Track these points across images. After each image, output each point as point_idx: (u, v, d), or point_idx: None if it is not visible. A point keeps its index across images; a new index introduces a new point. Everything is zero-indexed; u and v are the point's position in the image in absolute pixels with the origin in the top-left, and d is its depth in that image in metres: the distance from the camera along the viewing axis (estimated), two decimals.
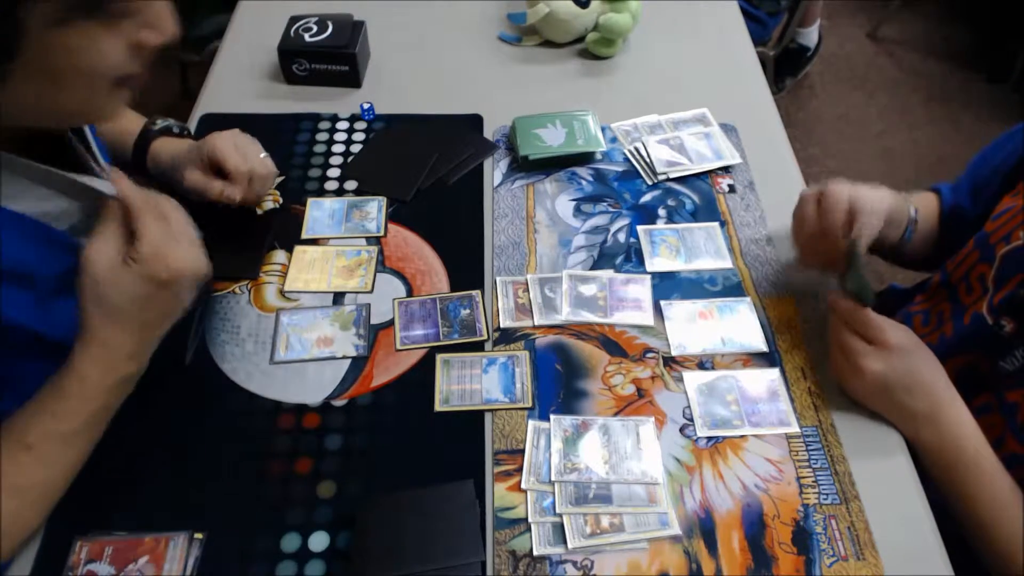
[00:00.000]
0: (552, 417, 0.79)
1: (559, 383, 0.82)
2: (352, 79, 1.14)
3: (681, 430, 0.79)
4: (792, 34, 2.39)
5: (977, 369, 0.82)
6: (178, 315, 0.71)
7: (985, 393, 0.81)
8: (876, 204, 0.83)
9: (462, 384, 0.81)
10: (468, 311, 0.88)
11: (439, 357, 0.84)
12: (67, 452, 0.69)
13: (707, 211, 0.99)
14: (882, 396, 0.77)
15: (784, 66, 2.47)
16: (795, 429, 0.79)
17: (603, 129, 1.07)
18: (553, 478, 0.74)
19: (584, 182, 1.03)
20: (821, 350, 0.85)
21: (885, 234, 0.86)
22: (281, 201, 0.99)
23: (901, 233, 0.90)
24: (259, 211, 0.98)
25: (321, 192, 1.01)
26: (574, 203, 1.00)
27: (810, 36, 2.45)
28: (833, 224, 0.81)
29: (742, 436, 0.78)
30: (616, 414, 0.79)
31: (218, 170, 0.88)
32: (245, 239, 0.94)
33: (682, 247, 0.95)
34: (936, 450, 0.76)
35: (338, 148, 1.06)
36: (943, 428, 0.75)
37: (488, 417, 0.79)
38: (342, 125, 1.09)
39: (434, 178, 1.02)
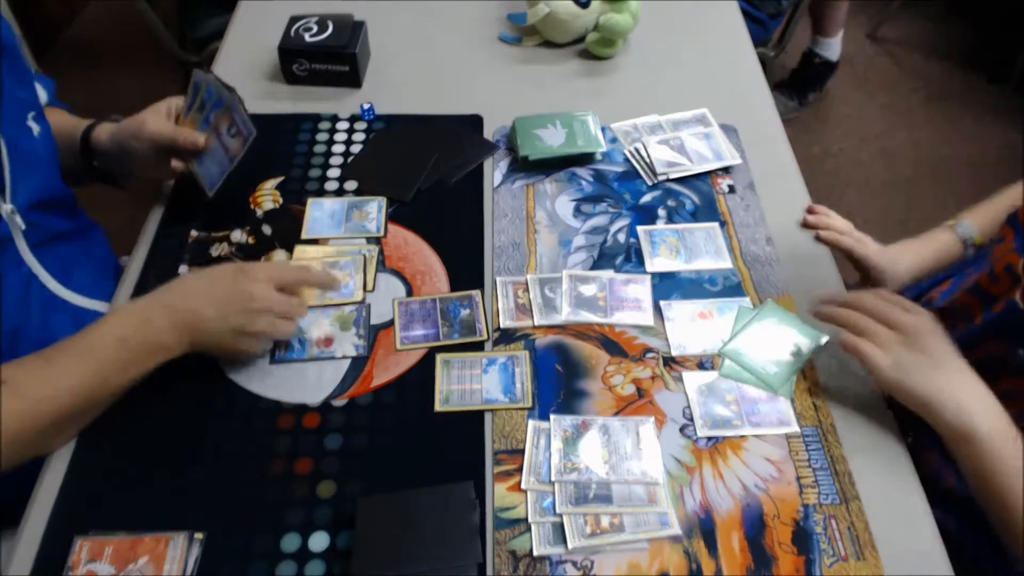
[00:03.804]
0: (552, 417, 0.79)
1: (559, 383, 0.82)
2: (352, 79, 1.14)
3: (681, 430, 0.79)
4: (815, 45, 2.36)
5: (996, 356, 0.81)
6: (217, 333, 0.77)
7: (1007, 379, 0.80)
8: (896, 276, 0.97)
9: (462, 384, 0.81)
10: (468, 311, 0.88)
11: (439, 357, 0.84)
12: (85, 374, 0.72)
13: (707, 211, 0.99)
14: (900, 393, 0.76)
15: (810, 80, 2.43)
16: (795, 429, 0.79)
17: (603, 129, 1.07)
18: (553, 478, 0.74)
19: (584, 182, 1.03)
20: (821, 350, 0.85)
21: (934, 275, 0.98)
22: (281, 201, 0.99)
23: (961, 261, 0.98)
24: (259, 211, 0.98)
25: (321, 192, 1.01)
26: (574, 203, 1.00)
27: (833, 47, 2.37)
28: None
29: (742, 436, 0.78)
30: (616, 414, 0.79)
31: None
32: None
33: (682, 247, 0.95)
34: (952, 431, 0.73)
35: (338, 148, 1.06)
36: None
37: (488, 417, 0.79)
38: (342, 125, 1.09)
39: (434, 178, 1.02)
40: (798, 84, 2.44)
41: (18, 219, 0.83)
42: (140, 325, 0.75)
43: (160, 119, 0.92)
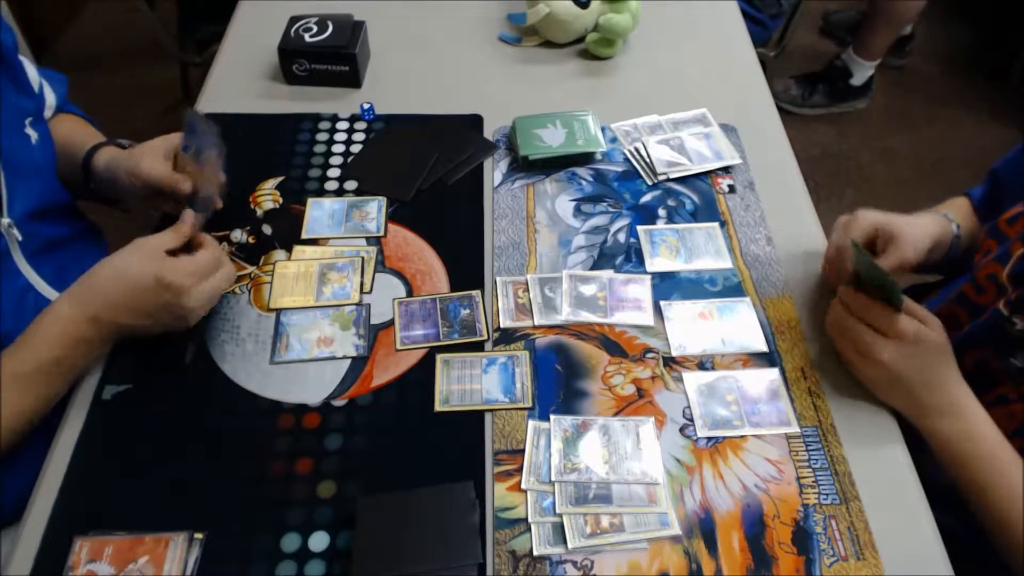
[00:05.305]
0: (552, 417, 0.79)
1: (559, 383, 0.82)
2: (352, 79, 1.14)
3: (681, 430, 0.79)
4: (847, 60, 2.36)
5: (988, 364, 0.82)
6: (145, 330, 0.79)
7: (1002, 385, 0.81)
8: (915, 237, 0.85)
9: (462, 384, 0.81)
10: (468, 311, 0.88)
11: (439, 357, 0.84)
12: (18, 396, 0.73)
13: (707, 211, 0.99)
14: (897, 388, 0.77)
15: (822, 83, 2.41)
16: (795, 429, 0.79)
17: (603, 129, 1.07)
18: (553, 478, 0.74)
19: (584, 182, 1.03)
20: (821, 350, 0.85)
21: (928, 258, 0.88)
22: (281, 201, 0.99)
23: (945, 253, 0.91)
24: (259, 211, 0.98)
25: (321, 192, 1.01)
26: (574, 203, 1.00)
27: (861, 69, 2.36)
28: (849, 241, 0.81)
29: (742, 436, 0.78)
30: (616, 414, 0.79)
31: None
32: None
33: (682, 247, 0.95)
34: (954, 442, 0.75)
35: (338, 148, 1.06)
36: (962, 421, 0.75)
37: (488, 417, 0.79)
38: (342, 125, 1.09)
39: (434, 178, 1.02)
40: (813, 84, 2.42)
41: (15, 231, 0.83)
42: (74, 345, 0.76)
43: (156, 160, 0.89)
